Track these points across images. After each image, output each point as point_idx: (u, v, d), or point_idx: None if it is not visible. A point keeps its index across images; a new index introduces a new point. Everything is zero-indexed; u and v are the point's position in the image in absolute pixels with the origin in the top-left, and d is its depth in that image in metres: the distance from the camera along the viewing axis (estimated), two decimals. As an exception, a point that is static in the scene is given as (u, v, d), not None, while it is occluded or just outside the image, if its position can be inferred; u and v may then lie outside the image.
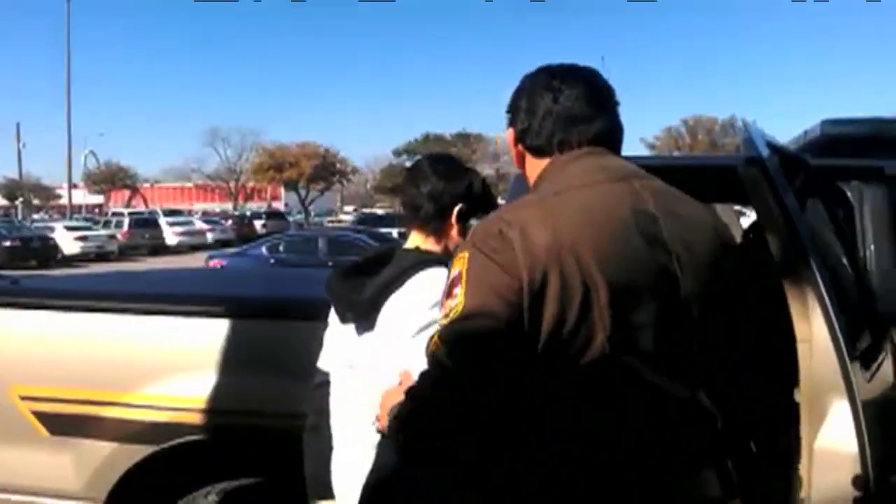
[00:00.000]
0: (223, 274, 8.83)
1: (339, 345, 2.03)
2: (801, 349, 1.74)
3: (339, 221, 47.28)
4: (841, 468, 1.59)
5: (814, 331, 1.70)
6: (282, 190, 70.69)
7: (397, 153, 70.50)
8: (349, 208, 71.15)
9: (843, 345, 1.55)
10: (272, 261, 15.90)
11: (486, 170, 67.53)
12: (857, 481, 1.56)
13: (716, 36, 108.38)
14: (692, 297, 1.42)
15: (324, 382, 2.07)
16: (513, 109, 1.63)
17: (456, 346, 1.35)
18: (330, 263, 14.95)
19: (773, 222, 1.72)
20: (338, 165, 63.93)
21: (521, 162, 1.65)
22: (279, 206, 66.82)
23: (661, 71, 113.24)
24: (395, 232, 22.80)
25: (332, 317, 2.09)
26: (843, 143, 2.85)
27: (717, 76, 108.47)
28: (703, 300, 1.44)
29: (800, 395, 1.74)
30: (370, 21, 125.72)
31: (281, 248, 16.60)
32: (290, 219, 47.21)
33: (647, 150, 58.50)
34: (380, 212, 48.17)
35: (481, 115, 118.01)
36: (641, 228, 1.42)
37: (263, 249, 16.59)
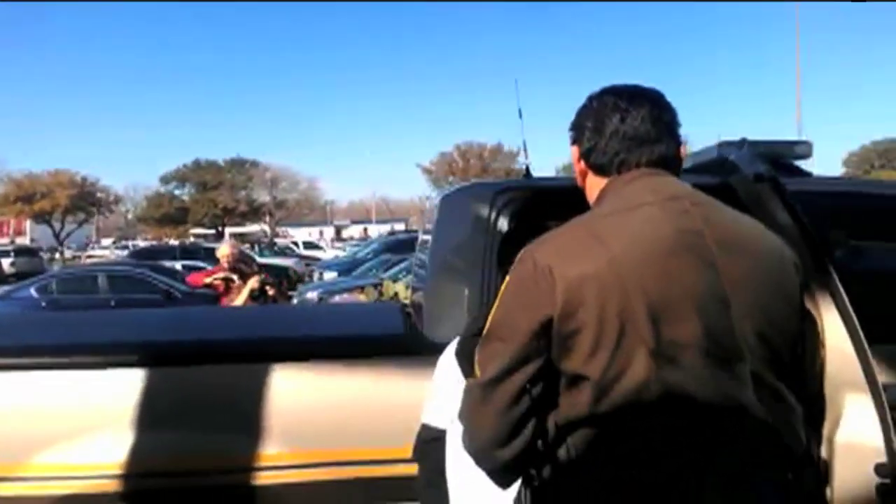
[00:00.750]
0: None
1: (455, 399, 1.86)
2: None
3: (100, 256, 43.68)
4: (865, 459, 1.73)
5: (828, 331, 1.84)
6: (27, 223, 64.09)
7: (165, 180, 66.87)
8: (107, 241, 66.09)
9: (863, 341, 1.69)
10: (44, 304, 14.22)
11: (263, 197, 66.22)
12: (881, 469, 1.70)
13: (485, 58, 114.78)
14: (741, 312, 1.43)
15: (437, 437, 1.96)
16: (578, 127, 1.66)
17: (479, 362, 1.49)
18: (113, 303, 13.71)
19: (783, 232, 1.84)
20: (98, 195, 59.34)
21: (583, 179, 1.68)
22: (25, 240, 60.37)
23: (434, 98, 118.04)
24: (178, 265, 21.38)
25: (444, 370, 2.03)
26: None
27: (486, 103, 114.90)
28: (754, 314, 1.45)
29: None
30: (128, 39, 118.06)
31: (54, 287, 14.89)
32: (44, 255, 42.79)
33: (424, 176, 60.29)
34: (143, 243, 45.38)
35: (256, 141, 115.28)
36: (686, 247, 1.44)
37: (32, 291, 14.74)
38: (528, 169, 3.26)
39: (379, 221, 73.12)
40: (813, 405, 1.69)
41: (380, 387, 2.68)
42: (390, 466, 2.60)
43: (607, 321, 1.38)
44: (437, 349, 2.63)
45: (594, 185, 1.64)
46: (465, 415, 1.52)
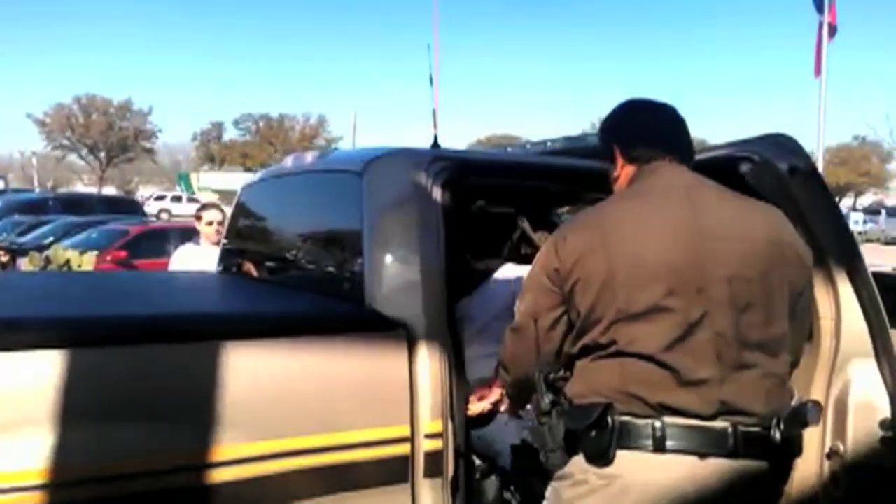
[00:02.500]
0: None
1: None
2: (823, 325, 2.22)
3: None
4: (873, 416, 2.12)
5: (842, 305, 2.19)
6: None
7: None
8: None
9: (882, 308, 2.10)
10: None
11: None
12: (885, 423, 2.10)
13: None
14: (730, 285, 1.79)
15: None
16: (614, 127, 2.13)
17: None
18: None
19: (814, 222, 2.17)
20: None
21: (621, 168, 2.08)
22: None
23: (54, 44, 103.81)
24: None
25: None
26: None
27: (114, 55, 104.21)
28: (744, 289, 1.80)
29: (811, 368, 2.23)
30: None
31: None
32: None
33: (37, 128, 53.15)
34: None
35: None
36: (681, 225, 1.84)
37: None
38: (435, 139, 3.24)
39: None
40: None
41: (341, 366, 2.49)
42: (356, 451, 2.44)
43: (593, 279, 1.85)
44: (392, 325, 2.54)
45: (627, 173, 2.06)
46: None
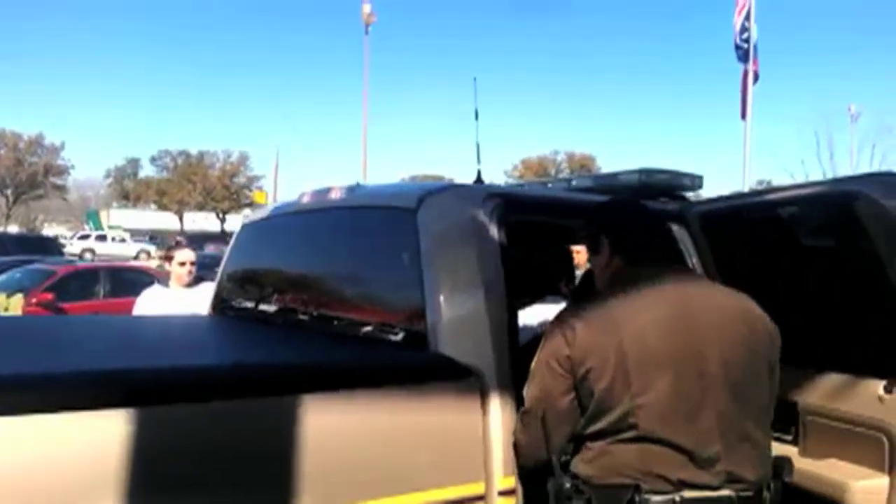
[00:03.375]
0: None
1: None
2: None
3: None
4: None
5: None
6: None
7: None
8: None
9: None
10: None
11: None
12: None
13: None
14: (720, 368, 1.98)
15: None
16: (607, 222, 2.29)
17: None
18: None
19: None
20: None
21: (609, 258, 2.23)
22: None
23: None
24: None
25: None
26: (655, 189, 3.37)
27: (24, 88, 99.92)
28: (735, 369, 2.00)
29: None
30: None
31: None
32: None
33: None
34: None
35: None
36: (677, 316, 2.02)
37: None
38: (479, 174, 3.10)
39: None
40: None
41: (417, 418, 2.28)
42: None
43: (606, 367, 1.96)
44: (466, 372, 2.36)
45: (617, 265, 2.21)
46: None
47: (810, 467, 2.51)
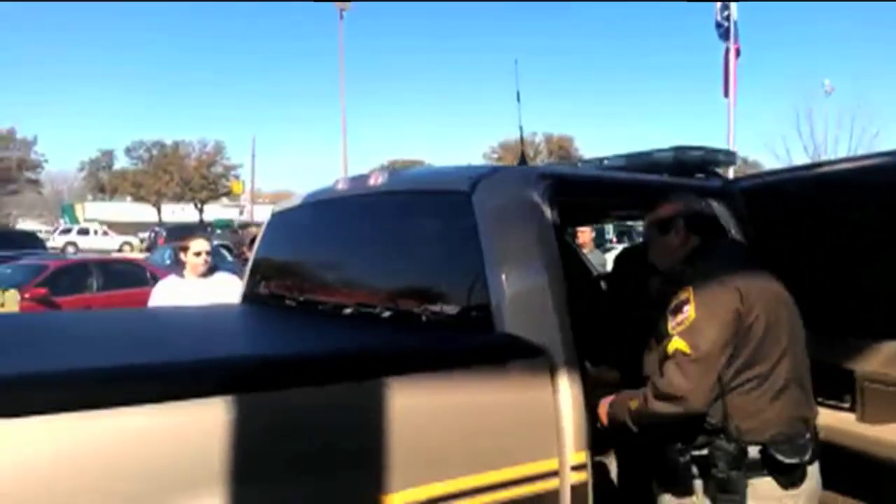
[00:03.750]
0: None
1: None
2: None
3: None
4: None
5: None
6: None
7: None
8: None
9: None
10: None
11: None
12: None
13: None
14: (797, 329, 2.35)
15: None
16: (675, 213, 2.51)
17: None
18: None
19: None
20: None
21: (683, 243, 2.48)
22: None
23: None
24: None
25: None
26: (690, 165, 3.40)
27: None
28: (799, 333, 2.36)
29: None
30: None
31: None
32: None
33: None
34: None
35: None
36: (770, 284, 2.34)
37: None
38: (523, 155, 3.13)
39: None
40: None
41: (493, 398, 2.32)
42: (513, 489, 2.27)
43: (760, 323, 2.24)
44: (535, 351, 2.39)
45: (693, 243, 2.47)
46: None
47: (871, 432, 2.57)
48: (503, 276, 2.50)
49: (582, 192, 3.01)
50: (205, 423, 1.82)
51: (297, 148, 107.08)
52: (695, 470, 2.30)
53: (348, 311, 3.04)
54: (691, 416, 2.25)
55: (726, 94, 17.76)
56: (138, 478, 1.72)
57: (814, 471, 2.30)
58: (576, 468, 2.40)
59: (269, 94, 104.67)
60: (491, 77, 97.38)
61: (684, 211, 2.51)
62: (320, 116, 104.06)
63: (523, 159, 3.14)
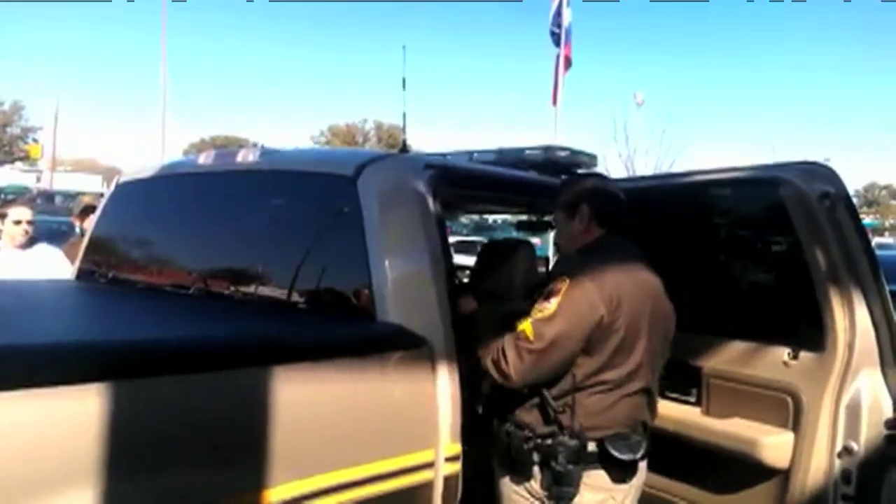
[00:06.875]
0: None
1: None
2: (840, 338, 2.45)
3: None
4: (880, 417, 2.41)
5: (857, 321, 2.42)
6: None
7: None
8: None
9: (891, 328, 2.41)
10: None
11: None
12: (889, 422, 2.39)
13: None
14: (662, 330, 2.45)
15: None
16: (587, 196, 2.50)
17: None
18: None
19: (845, 246, 2.45)
20: None
21: (585, 230, 2.49)
22: None
23: None
24: None
25: None
26: (559, 165, 3.53)
27: None
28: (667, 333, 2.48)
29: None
30: None
31: None
32: None
33: None
34: None
35: None
36: (649, 284, 2.42)
37: None
38: (404, 143, 3.08)
39: None
40: None
41: (372, 388, 2.28)
42: (388, 481, 2.25)
43: (619, 325, 2.29)
44: (418, 341, 2.38)
45: (596, 233, 2.49)
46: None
47: (716, 425, 2.78)
48: (386, 264, 2.45)
49: (467, 183, 3.02)
50: (68, 414, 1.64)
51: (106, 115, 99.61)
52: (536, 457, 2.38)
53: (215, 296, 2.86)
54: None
55: (554, 102, 18.39)
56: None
57: (643, 467, 2.43)
58: (450, 459, 2.41)
59: (76, 54, 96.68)
60: (319, 59, 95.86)
61: (590, 198, 2.50)
62: (135, 83, 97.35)
63: (405, 147, 3.09)
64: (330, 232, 2.66)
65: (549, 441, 2.35)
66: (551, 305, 2.28)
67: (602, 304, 2.25)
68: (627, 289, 2.32)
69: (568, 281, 2.30)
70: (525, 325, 2.29)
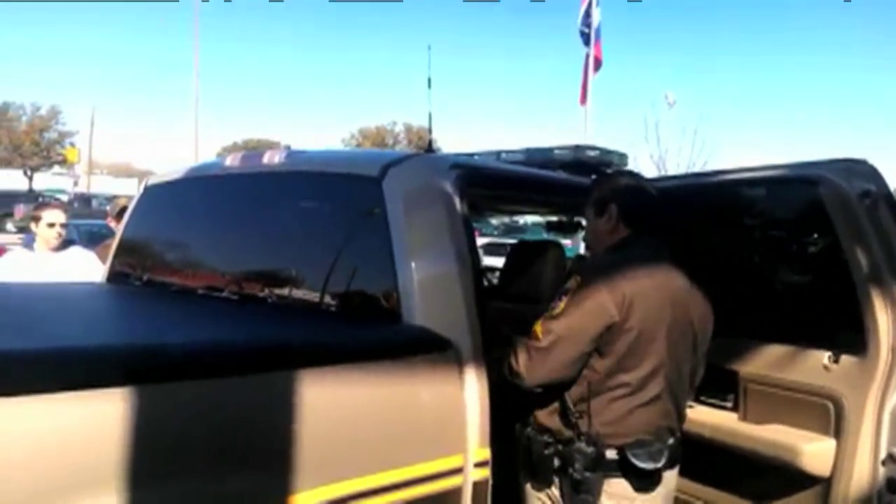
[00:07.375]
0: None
1: None
2: (883, 341, 2.37)
3: None
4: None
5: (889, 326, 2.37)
6: None
7: None
8: None
9: None
10: None
11: None
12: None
13: None
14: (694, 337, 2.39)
15: None
16: (617, 195, 2.44)
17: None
18: None
19: (888, 246, 2.37)
20: None
21: (613, 229, 2.44)
22: None
23: None
24: None
25: None
26: (588, 165, 3.47)
27: None
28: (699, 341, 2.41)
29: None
30: None
31: None
32: None
33: None
34: None
35: None
36: (679, 288, 2.34)
37: None
38: (430, 143, 3.04)
39: None
40: None
41: (401, 392, 2.24)
42: (418, 487, 2.20)
43: (635, 326, 2.22)
44: (444, 345, 2.33)
45: (622, 232, 2.43)
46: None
47: (754, 431, 2.70)
48: (412, 266, 2.41)
49: (494, 184, 2.98)
50: (99, 418, 1.63)
51: (142, 120, 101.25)
52: (556, 463, 2.34)
53: (242, 298, 2.84)
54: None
55: (583, 101, 18.25)
56: (26, 479, 1.51)
57: (670, 476, 2.35)
58: (479, 465, 2.36)
59: (112, 60, 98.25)
60: (349, 62, 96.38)
61: (620, 196, 2.45)
62: (172, 90, 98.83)
63: (430, 147, 3.06)
64: (355, 233, 2.63)
65: (567, 447, 2.31)
66: (560, 304, 2.27)
67: (612, 303, 2.21)
68: (644, 289, 2.26)
69: (580, 279, 2.28)
70: (536, 325, 2.28)
